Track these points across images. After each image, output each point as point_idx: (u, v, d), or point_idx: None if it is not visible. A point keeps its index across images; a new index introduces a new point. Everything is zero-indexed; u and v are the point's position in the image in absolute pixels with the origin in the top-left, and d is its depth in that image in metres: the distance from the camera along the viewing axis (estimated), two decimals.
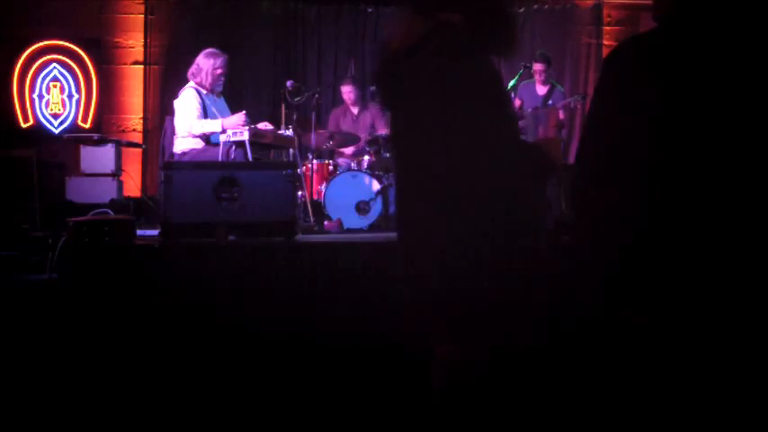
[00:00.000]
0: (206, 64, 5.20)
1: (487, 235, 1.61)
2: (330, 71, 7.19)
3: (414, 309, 1.72)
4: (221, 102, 5.44)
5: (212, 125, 5.05)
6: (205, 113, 5.17)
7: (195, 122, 5.08)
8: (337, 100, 6.90)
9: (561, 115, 6.31)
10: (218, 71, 5.22)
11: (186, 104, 5.13)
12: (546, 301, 1.68)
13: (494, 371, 1.62)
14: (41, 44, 6.85)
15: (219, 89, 5.37)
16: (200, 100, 5.16)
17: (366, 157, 5.83)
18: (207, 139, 5.15)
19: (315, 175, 5.78)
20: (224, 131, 4.96)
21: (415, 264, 1.70)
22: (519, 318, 1.63)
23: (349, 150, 6.33)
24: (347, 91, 6.52)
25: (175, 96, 5.34)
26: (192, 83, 5.24)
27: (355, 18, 7.32)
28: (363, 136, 6.27)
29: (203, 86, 5.22)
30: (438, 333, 1.68)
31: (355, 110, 6.59)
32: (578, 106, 6.58)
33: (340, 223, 5.25)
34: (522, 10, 7.35)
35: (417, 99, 1.70)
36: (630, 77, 1.58)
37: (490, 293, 1.60)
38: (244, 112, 5.12)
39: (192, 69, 5.26)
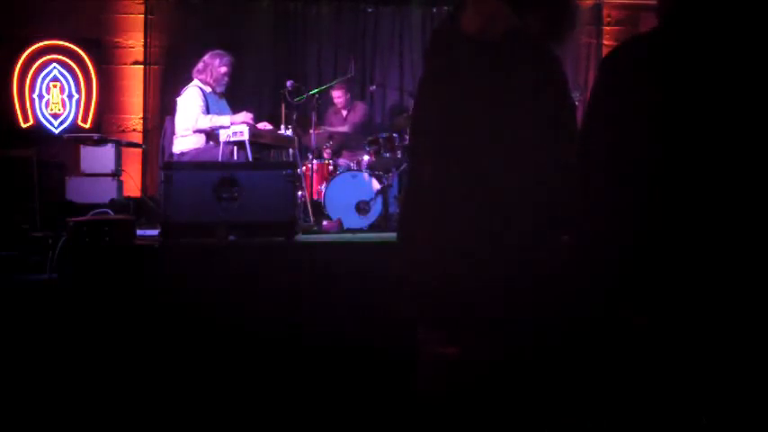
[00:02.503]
0: (211, 62, 5.34)
1: (513, 236, 1.60)
2: (330, 70, 7.19)
3: (416, 305, 1.70)
4: (223, 103, 5.49)
5: (220, 120, 5.12)
6: (208, 112, 5.22)
7: (202, 117, 5.14)
8: None
9: None
10: (223, 69, 5.34)
11: (191, 101, 5.19)
12: (554, 304, 1.67)
13: (496, 372, 1.61)
14: (41, 44, 6.85)
15: (222, 89, 5.43)
16: (203, 98, 5.23)
17: (366, 157, 5.84)
18: (210, 135, 5.19)
19: (315, 175, 5.78)
20: (228, 127, 5.01)
21: (423, 255, 1.66)
22: (528, 320, 1.62)
23: (347, 154, 6.35)
24: (337, 96, 6.61)
25: (178, 94, 5.39)
26: (196, 81, 5.32)
27: (355, 17, 7.32)
28: (353, 135, 6.33)
29: (207, 84, 5.31)
30: (440, 332, 1.66)
31: (345, 112, 6.66)
32: (578, 103, 6.58)
33: (340, 223, 5.25)
34: None
35: (487, 92, 1.63)
36: (630, 77, 1.58)
37: (503, 293, 1.59)
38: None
39: (198, 66, 5.36)
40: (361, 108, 6.72)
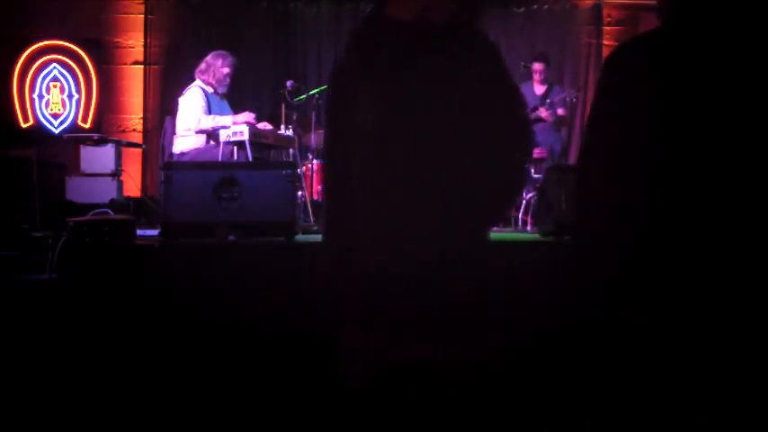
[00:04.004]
0: (214, 62, 5.35)
1: (476, 232, 1.59)
2: (330, 71, 7.18)
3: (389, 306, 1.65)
4: (225, 103, 5.49)
5: (222, 120, 5.12)
6: (210, 113, 5.23)
7: (204, 117, 5.15)
8: None
9: (561, 112, 6.29)
10: (225, 70, 5.35)
11: (193, 101, 5.20)
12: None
13: (479, 372, 1.59)
14: (41, 44, 6.85)
15: (223, 90, 5.44)
16: (205, 99, 5.24)
17: None
18: (210, 135, 5.19)
19: (315, 175, 5.77)
20: (229, 127, 5.02)
21: (392, 256, 1.61)
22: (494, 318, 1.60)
23: None
24: None
25: (179, 94, 5.41)
26: (198, 81, 5.34)
27: (355, 18, 7.30)
28: None
29: (209, 84, 5.32)
30: (417, 332, 1.62)
31: None
32: (576, 100, 6.58)
33: None
34: (522, 10, 7.35)
35: (437, 83, 1.53)
36: (631, 78, 1.58)
37: (471, 292, 1.57)
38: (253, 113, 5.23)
39: (201, 67, 5.38)
40: None
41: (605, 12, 7.47)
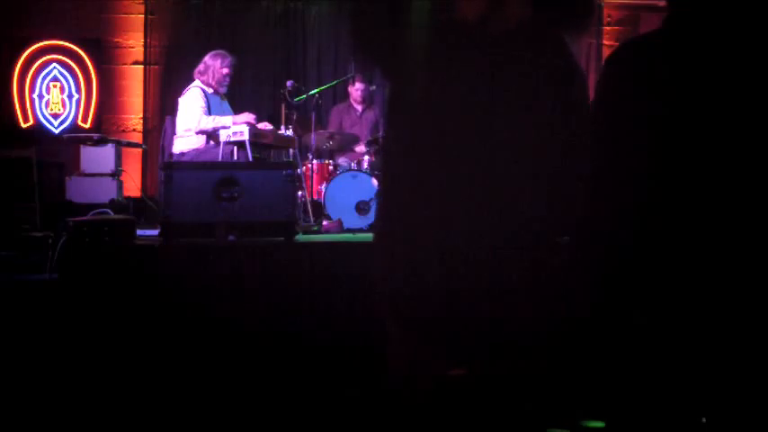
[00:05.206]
0: (213, 63, 5.32)
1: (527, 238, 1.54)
2: (330, 71, 7.19)
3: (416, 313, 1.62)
4: (225, 104, 5.49)
5: (222, 120, 5.12)
6: (209, 113, 5.22)
7: (204, 118, 5.14)
8: (339, 97, 6.88)
9: None
10: (225, 71, 5.33)
11: (193, 102, 5.19)
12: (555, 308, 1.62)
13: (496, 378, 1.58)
14: (41, 44, 6.85)
15: (224, 90, 5.43)
16: (205, 99, 5.23)
17: (366, 157, 5.84)
18: (210, 135, 5.19)
19: (315, 175, 5.78)
20: (229, 128, 5.03)
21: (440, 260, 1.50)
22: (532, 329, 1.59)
23: (361, 148, 6.25)
24: (359, 88, 6.42)
25: (179, 94, 5.39)
26: (198, 81, 5.32)
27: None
28: (365, 135, 6.25)
29: (209, 85, 5.31)
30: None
31: (360, 108, 6.56)
32: None
33: (340, 223, 5.25)
34: None
35: (502, 88, 1.46)
36: (630, 79, 1.58)
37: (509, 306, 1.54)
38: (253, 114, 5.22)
39: (200, 68, 5.35)
40: (380, 109, 6.66)
41: (605, 12, 7.47)
